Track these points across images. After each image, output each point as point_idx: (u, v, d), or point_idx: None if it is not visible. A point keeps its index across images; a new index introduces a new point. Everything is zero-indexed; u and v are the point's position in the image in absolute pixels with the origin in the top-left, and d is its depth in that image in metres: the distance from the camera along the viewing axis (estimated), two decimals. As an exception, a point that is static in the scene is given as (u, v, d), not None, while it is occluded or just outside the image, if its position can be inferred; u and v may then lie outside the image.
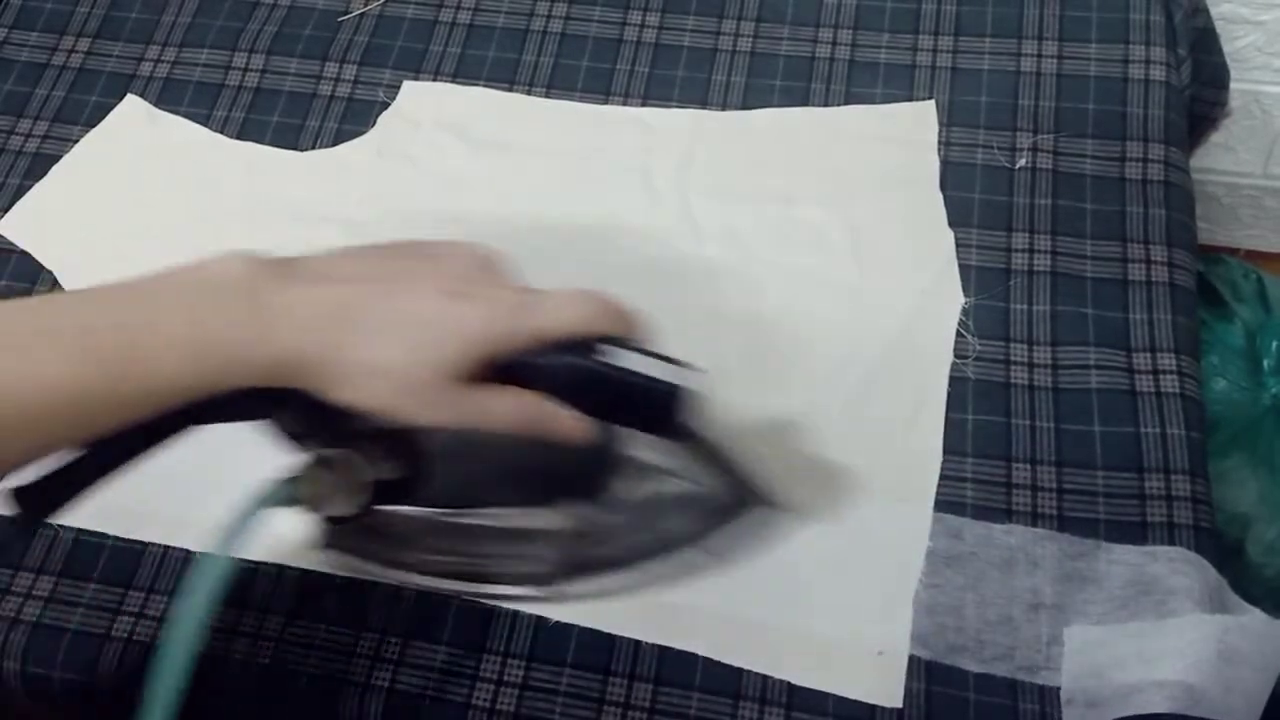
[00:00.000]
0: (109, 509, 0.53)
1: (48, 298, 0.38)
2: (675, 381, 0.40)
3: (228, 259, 0.39)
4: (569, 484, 0.46)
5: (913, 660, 0.48)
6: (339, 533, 0.46)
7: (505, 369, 0.39)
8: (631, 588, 0.49)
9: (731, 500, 0.49)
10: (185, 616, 0.38)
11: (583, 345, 0.40)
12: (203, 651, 0.39)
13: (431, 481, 0.45)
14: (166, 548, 0.53)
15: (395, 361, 0.38)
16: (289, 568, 0.52)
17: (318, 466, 0.42)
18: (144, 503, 0.54)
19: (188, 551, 0.53)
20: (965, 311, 0.57)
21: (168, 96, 0.69)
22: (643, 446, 0.46)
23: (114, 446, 0.39)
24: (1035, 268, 0.58)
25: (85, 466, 0.39)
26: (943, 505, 0.52)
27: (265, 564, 0.52)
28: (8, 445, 0.35)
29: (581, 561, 0.49)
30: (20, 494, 0.38)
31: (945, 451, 0.54)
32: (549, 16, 0.69)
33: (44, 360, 0.35)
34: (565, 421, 0.40)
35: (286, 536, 0.49)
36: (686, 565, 0.49)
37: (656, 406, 0.41)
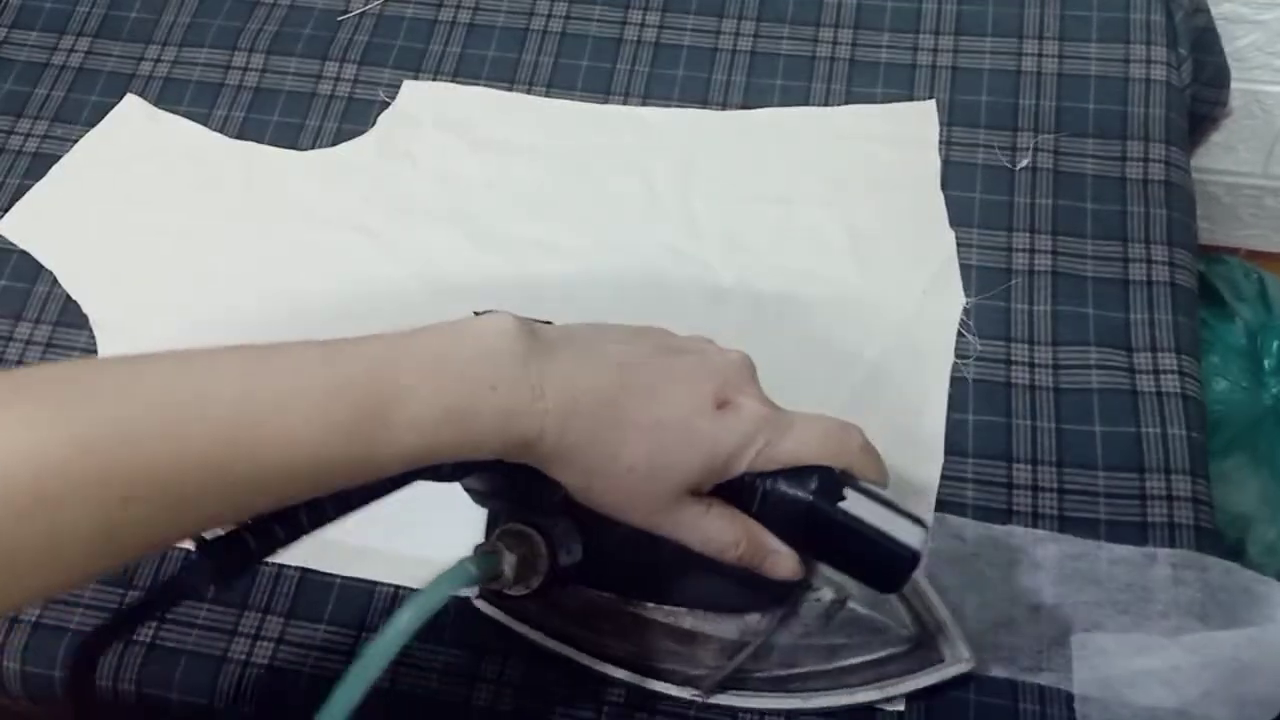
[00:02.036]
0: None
1: (299, 346, 0.35)
2: (913, 545, 0.38)
3: (497, 320, 0.36)
4: (759, 600, 0.45)
5: (913, 661, 0.48)
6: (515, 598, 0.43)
7: (733, 485, 0.38)
8: (793, 708, 0.47)
9: (915, 645, 0.46)
10: (365, 667, 0.34)
11: (828, 488, 0.38)
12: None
13: (622, 573, 0.44)
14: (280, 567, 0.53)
15: (644, 465, 0.37)
16: (288, 567, 0.52)
17: (511, 544, 0.40)
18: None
19: (188, 552, 0.53)
20: (966, 311, 0.57)
21: (167, 96, 0.68)
22: (838, 574, 0.44)
23: (329, 497, 0.36)
24: (1036, 267, 0.58)
25: (291, 522, 0.36)
26: (944, 505, 0.52)
27: (265, 564, 0.52)
28: (246, 504, 0.33)
29: (747, 675, 0.47)
30: (227, 544, 0.35)
31: (946, 452, 0.53)
32: (549, 16, 0.69)
33: (290, 423, 0.32)
34: (779, 560, 0.39)
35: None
36: (856, 700, 0.46)
37: (888, 567, 0.39)
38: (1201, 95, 0.73)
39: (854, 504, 0.38)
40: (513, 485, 0.40)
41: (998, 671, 0.48)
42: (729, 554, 0.39)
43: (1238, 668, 0.45)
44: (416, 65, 0.68)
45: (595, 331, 0.40)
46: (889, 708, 0.47)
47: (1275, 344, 0.87)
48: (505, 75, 0.68)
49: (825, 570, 0.44)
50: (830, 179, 0.63)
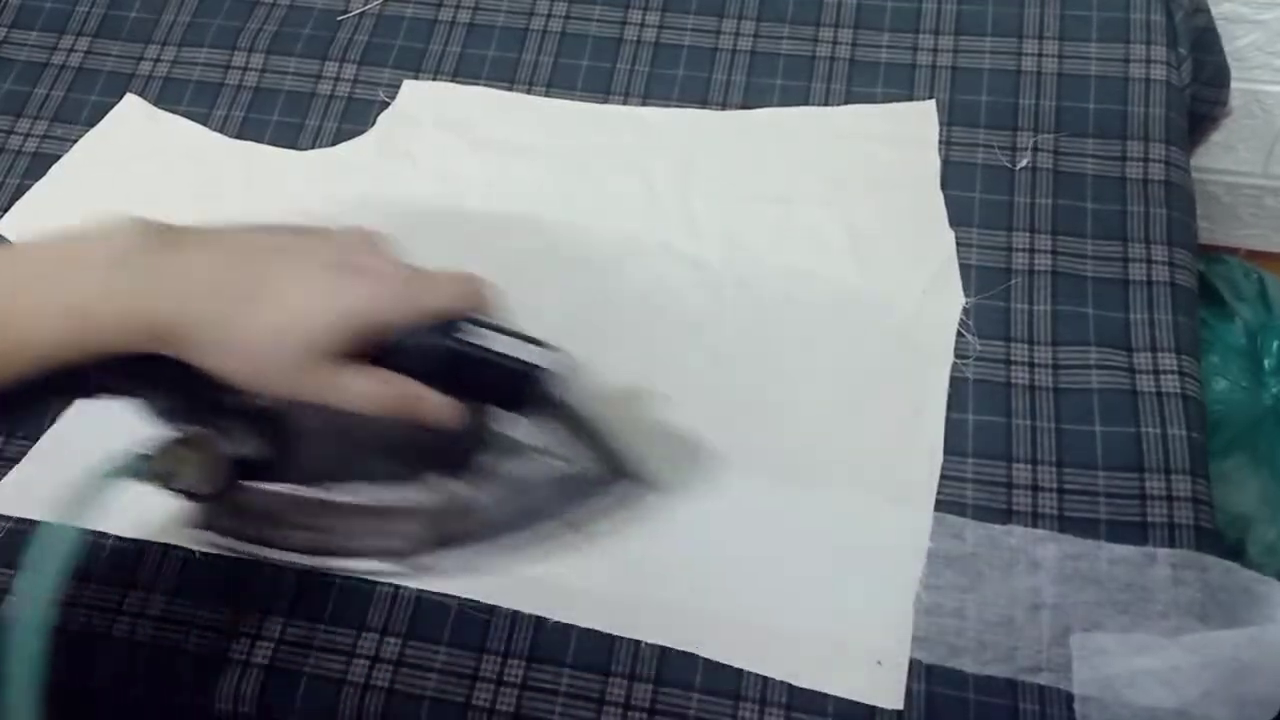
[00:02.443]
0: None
1: None
2: (534, 361, 0.42)
3: (115, 225, 0.39)
4: (437, 460, 0.47)
5: (913, 661, 0.48)
6: (208, 511, 0.47)
7: (373, 348, 0.40)
8: (492, 561, 0.50)
9: (599, 476, 0.49)
10: (33, 592, 0.37)
11: (446, 325, 0.41)
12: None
13: (296, 459, 0.46)
14: (166, 547, 0.53)
15: (271, 330, 0.38)
16: (287, 567, 0.52)
17: (175, 443, 0.42)
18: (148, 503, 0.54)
19: (188, 551, 0.53)
20: (966, 311, 0.57)
21: (167, 96, 0.69)
22: (513, 424, 0.47)
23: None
24: (1036, 267, 0.58)
25: None
26: (943, 505, 0.52)
27: (266, 564, 0.52)
28: None
29: (444, 537, 0.50)
30: None
31: (946, 452, 0.53)
32: (549, 15, 0.69)
33: None
34: (432, 405, 0.41)
35: (156, 514, 0.50)
36: (552, 540, 0.50)
37: (515, 385, 0.42)
38: (1201, 95, 0.73)
39: (480, 337, 0.41)
40: (190, 395, 0.42)
41: (997, 671, 0.48)
42: (384, 408, 0.41)
43: (1237, 668, 0.45)
44: (416, 65, 0.68)
45: (227, 228, 0.42)
46: (601, 532, 0.50)
47: (1275, 344, 0.87)
48: (505, 75, 0.68)
49: (508, 428, 0.47)
50: (830, 179, 0.63)
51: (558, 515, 0.50)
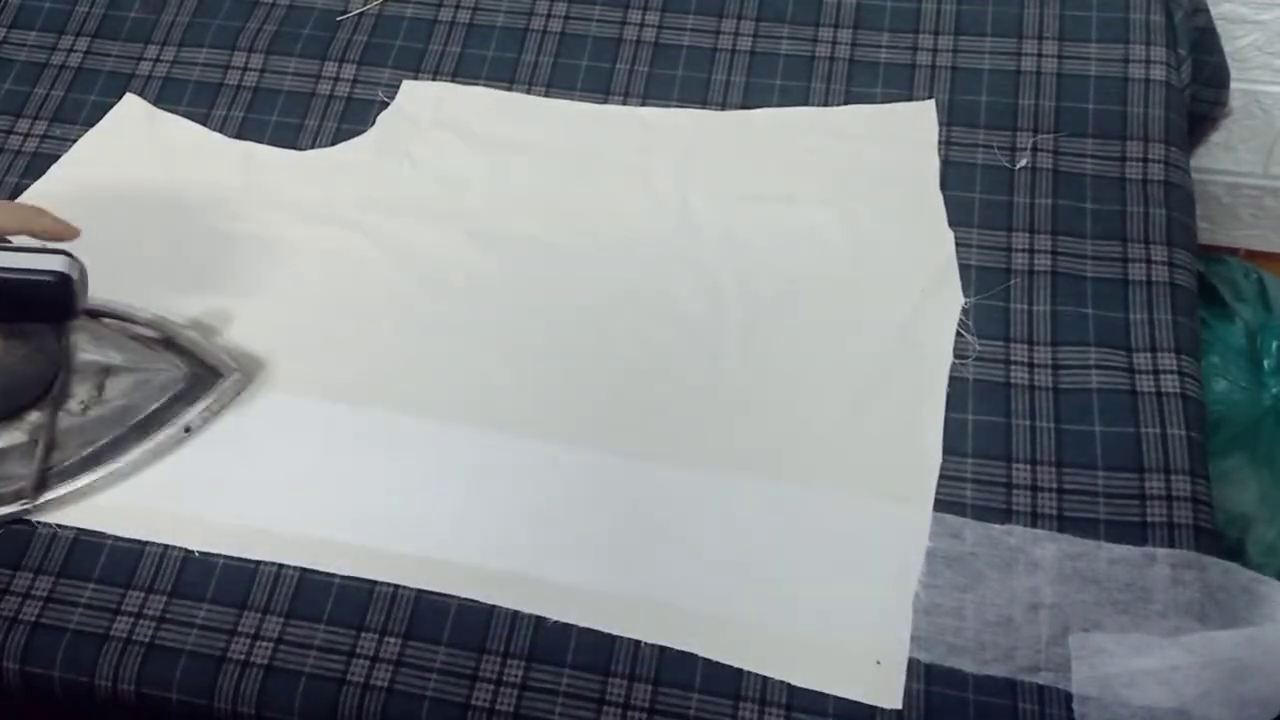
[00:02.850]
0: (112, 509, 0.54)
1: None
2: (53, 269, 0.44)
3: None
4: (17, 396, 0.49)
5: (912, 661, 0.48)
6: None
7: None
8: (113, 479, 0.52)
9: (194, 380, 0.52)
10: None
11: None
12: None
13: None
14: (166, 547, 0.53)
15: None
16: (287, 568, 0.52)
17: None
18: (147, 503, 0.54)
19: (188, 552, 0.53)
20: (965, 311, 0.57)
21: (167, 96, 0.68)
22: (91, 348, 0.50)
23: None
24: (1035, 268, 0.58)
25: None
26: (943, 505, 0.52)
27: (264, 564, 0.52)
28: None
29: (64, 467, 0.52)
30: None
31: (945, 451, 0.53)
32: (549, 16, 0.69)
33: None
34: None
35: None
36: (163, 446, 0.53)
37: (44, 297, 0.44)
38: (1201, 95, 0.73)
39: None
40: None
41: (996, 671, 0.48)
42: None
43: (1236, 668, 0.45)
44: (416, 65, 0.68)
45: None
46: (199, 429, 0.54)
47: (1275, 344, 0.86)
48: (505, 75, 0.68)
49: (87, 351, 0.50)
50: (830, 179, 0.63)
51: (163, 422, 0.53)
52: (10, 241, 0.45)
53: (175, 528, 0.54)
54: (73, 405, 0.51)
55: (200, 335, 0.54)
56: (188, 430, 0.53)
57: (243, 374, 0.54)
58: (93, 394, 0.51)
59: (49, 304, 0.45)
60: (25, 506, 0.51)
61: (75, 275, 0.45)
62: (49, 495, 0.52)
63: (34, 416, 0.51)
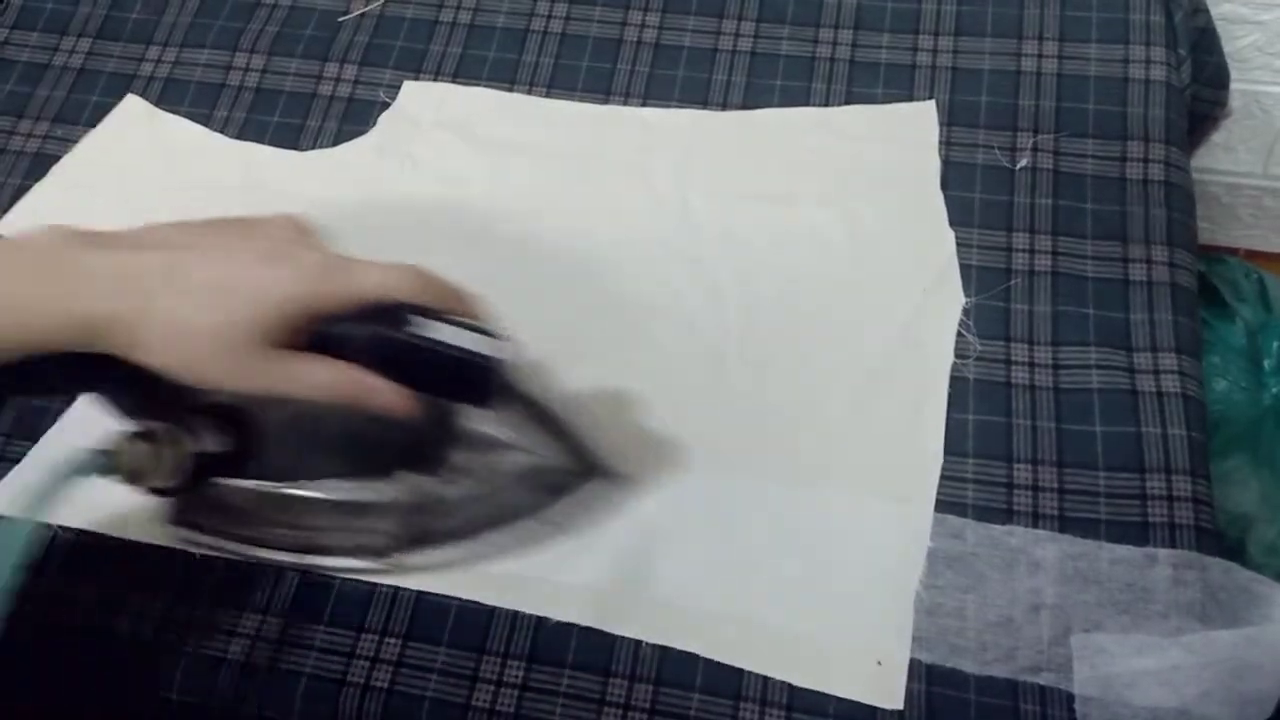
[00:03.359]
0: None
1: None
2: (485, 352, 0.41)
3: (38, 229, 0.40)
4: (405, 456, 0.47)
5: (913, 661, 0.48)
6: (178, 507, 0.47)
7: (318, 339, 0.40)
8: (471, 559, 0.50)
9: (570, 471, 0.49)
10: None
11: (393, 316, 0.40)
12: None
13: (261, 454, 0.45)
14: (166, 549, 0.53)
15: (204, 321, 0.38)
16: (288, 567, 0.52)
17: (136, 438, 0.42)
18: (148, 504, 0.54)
19: (187, 553, 0.53)
20: (966, 311, 0.57)
21: (168, 97, 0.69)
22: (482, 418, 0.46)
23: None
24: (1036, 268, 0.58)
25: None
26: (944, 506, 0.52)
27: (264, 565, 0.52)
28: None
29: (419, 534, 0.49)
30: None
31: (946, 452, 0.53)
32: (549, 16, 0.69)
33: None
34: (382, 393, 0.41)
35: (121, 509, 0.50)
36: (526, 536, 0.50)
37: (470, 379, 0.41)
38: (1201, 95, 0.73)
39: (425, 328, 0.40)
40: (143, 391, 0.42)
41: (998, 671, 0.48)
42: (334, 395, 0.40)
43: (1237, 667, 0.45)
44: (417, 66, 0.68)
45: (153, 226, 0.43)
46: (577, 527, 0.51)
47: (1275, 344, 0.87)
48: (505, 76, 0.68)
49: (476, 421, 0.47)
50: (830, 179, 0.63)
51: (531, 510, 0.50)
52: (438, 308, 0.42)
53: (176, 529, 0.54)
54: (449, 472, 0.48)
55: (594, 420, 0.49)
56: (555, 525, 0.50)
57: (626, 474, 0.50)
58: (470, 464, 0.48)
59: (469, 385, 0.42)
60: (375, 565, 0.50)
61: (506, 360, 0.41)
62: (404, 559, 0.50)
63: (413, 478, 0.48)
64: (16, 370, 0.38)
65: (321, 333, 0.40)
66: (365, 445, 0.46)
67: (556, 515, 0.50)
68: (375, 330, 0.40)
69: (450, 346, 0.40)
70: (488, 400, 0.43)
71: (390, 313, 0.40)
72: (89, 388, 0.43)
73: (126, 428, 0.43)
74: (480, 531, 0.49)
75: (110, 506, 0.48)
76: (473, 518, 0.50)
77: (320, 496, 0.48)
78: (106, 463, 0.41)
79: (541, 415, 0.46)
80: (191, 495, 0.44)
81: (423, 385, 0.42)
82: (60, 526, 0.52)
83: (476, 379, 0.41)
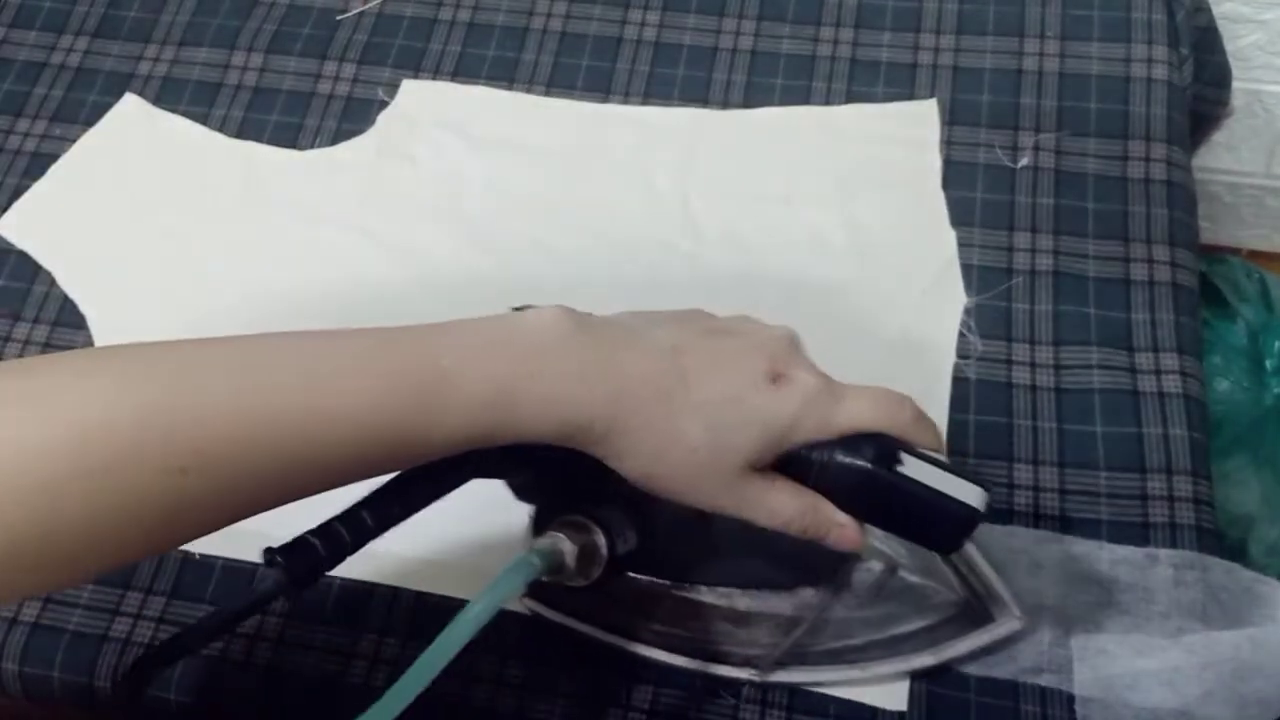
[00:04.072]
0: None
1: (358, 331, 0.36)
2: (971, 504, 0.38)
3: (545, 311, 0.37)
4: (811, 572, 0.45)
5: (914, 662, 0.48)
6: (574, 594, 0.42)
7: (791, 460, 0.38)
8: (854, 681, 0.47)
9: (966, 609, 0.46)
10: (430, 662, 0.34)
11: (883, 452, 0.38)
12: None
13: (673, 555, 0.44)
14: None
15: (705, 440, 0.36)
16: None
17: (563, 533, 0.40)
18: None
19: (187, 552, 0.53)
20: (967, 311, 0.57)
21: (167, 95, 0.68)
22: (883, 540, 0.44)
23: (394, 497, 0.37)
24: (1037, 267, 0.58)
25: (357, 525, 0.37)
26: (944, 506, 0.52)
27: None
28: (300, 482, 0.33)
29: (800, 647, 0.47)
30: (287, 555, 0.36)
31: (947, 452, 0.53)
32: (549, 15, 0.69)
33: (347, 402, 0.33)
34: (842, 531, 0.39)
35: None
36: (912, 666, 0.47)
37: (947, 527, 0.39)
38: (1203, 95, 0.73)
39: (911, 468, 0.38)
40: (562, 477, 0.40)
41: (999, 672, 0.48)
42: (794, 527, 0.39)
43: (1238, 668, 0.45)
44: (416, 64, 0.68)
45: (642, 319, 0.40)
46: (960, 667, 0.47)
47: (1277, 344, 0.86)
48: (505, 74, 0.67)
49: (875, 541, 0.44)
50: (830, 179, 0.62)
51: (925, 644, 0.46)
52: (918, 447, 0.39)
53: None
54: (847, 597, 0.45)
55: (987, 565, 0.45)
56: (941, 663, 0.47)
57: (1022, 621, 0.46)
58: (870, 591, 0.46)
59: (943, 534, 0.40)
60: (753, 679, 0.47)
61: (983, 511, 0.39)
62: (780, 676, 0.47)
63: (807, 594, 0.46)
64: (485, 458, 0.36)
65: (798, 455, 0.38)
66: (776, 558, 0.44)
67: (951, 654, 0.46)
68: (858, 465, 0.38)
69: (936, 493, 0.38)
70: (954, 549, 0.41)
71: (880, 447, 0.38)
72: (508, 474, 0.41)
73: (560, 519, 0.40)
74: (864, 657, 0.47)
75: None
76: (861, 644, 0.47)
77: (714, 602, 0.46)
78: (545, 566, 0.38)
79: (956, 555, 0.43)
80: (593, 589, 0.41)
81: (889, 524, 0.40)
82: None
83: (953, 529, 0.39)
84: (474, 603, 0.34)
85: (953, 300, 0.57)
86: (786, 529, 0.39)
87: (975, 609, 0.46)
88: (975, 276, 0.58)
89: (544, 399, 0.35)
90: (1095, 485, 0.52)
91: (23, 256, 0.63)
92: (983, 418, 0.54)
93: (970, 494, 0.38)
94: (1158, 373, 0.55)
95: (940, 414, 0.54)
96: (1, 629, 0.51)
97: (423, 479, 0.37)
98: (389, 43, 0.69)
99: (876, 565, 0.45)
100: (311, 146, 0.66)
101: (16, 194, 0.65)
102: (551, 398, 0.35)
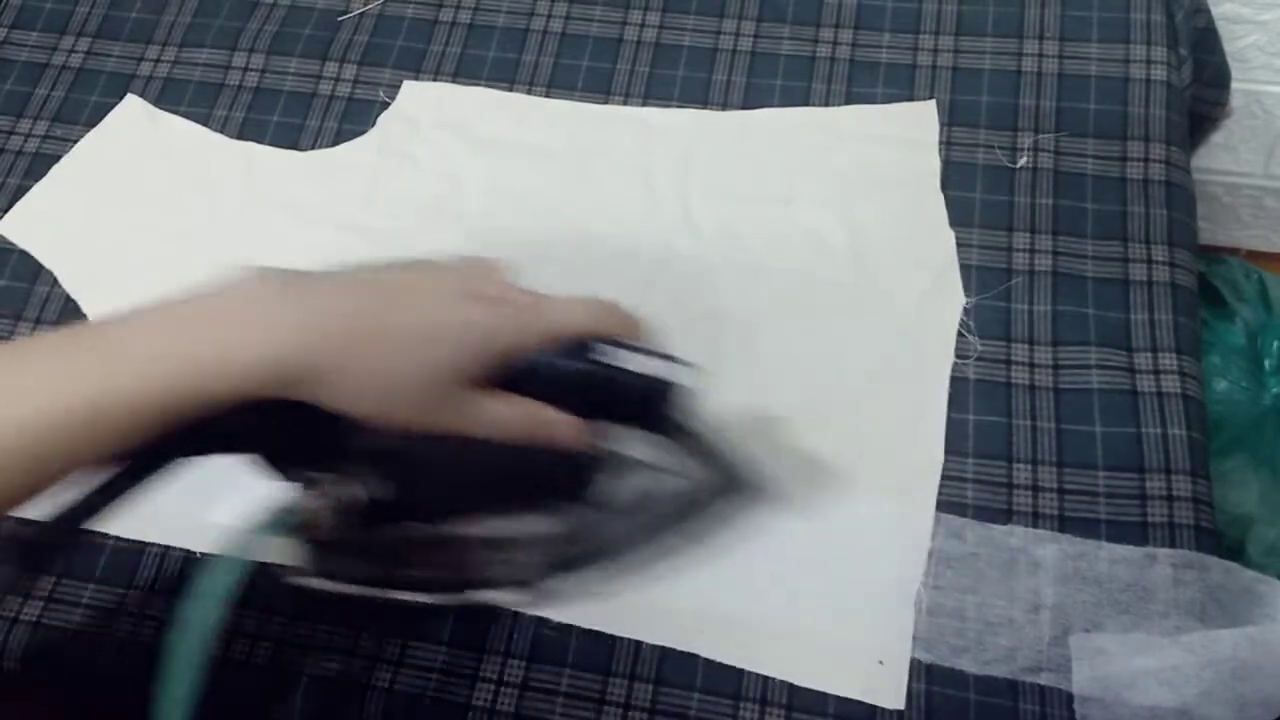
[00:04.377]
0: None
1: (45, 337, 0.38)
2: (668, 377, 0.41)
3: (243, 274, 0.39)
4: (558, 486, 0.46)
5: (914, 661, 0.48)
6: (326, 557, 0.45)
7: (504, 375, 0.40)
8: (614, 579, 0.49)
9: (717, 489, 0.49)
10: (195, 621, 0.37)
11: (581, 348, 0.41)
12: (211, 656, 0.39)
13: (421, 497, 0.45)
14: (167, 548, 0.53)
15: (408, 366, 0.38)
16: (288, 567, 0.52)
17: (310, 492, 0.42)
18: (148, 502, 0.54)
19: (188, 552, 0.53)
20: (966, 311, 0.57)
21: (168, 96, 0.69)
22: (629, 442, 0.46)
23: (117, 478, 0.39)
24: (1036, 267, 0.58)
25: (83, 502, 0.38)
26: (944, 506, 0.52)
27: (264, 564, 0.52)
28: (14, 469, 0.35)
29: (569, 560, 0.49)
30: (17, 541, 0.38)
31: (946, 452, 0.53)
32: (549, 16, 0.69)
33: (57, 377, 0.35)
34: (563, 428, 0.41)
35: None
36: (669, 552, 0.49)
37: (650, 403, 0.42)
38: (1202, 95, 0.73)
39: (609, 356, 0.41)
40: (314, 442, 0.41)
41: (998, 671, 0.48)
42: (520, 435, 0.41)
43: (1237, 667, 0.45)
44: (416, 65, 0.68)
45: (349, 269, 0.42)
46: (712, 538, 0.49)
47: (1275, 344, 0.87)
48: (505, 75, 0.68)
49: (624, 448, 0.47)
50: (830, 179, 0.63)
51: (677, 530, 0.49)
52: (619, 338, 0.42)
53: (177, 528, 0.53)
54: (599, 499, 0.47)
55: (739, 440, 0.48)
56: (693, 540, 0.49)
57: (772, 491, 0.49)
58: (618, 491, 0.47)
59: (650, 412, 0.42)
60: (525, 596, 0.49)
61: (687, 385, 0.42)
62: (551, 586, 0.49)
63: (561, 506, 0.47)
64: (191, 430, 0.37)
65: (509, 368, 0.40)
66: (521, 478, 0.46)
67: (702, 532, 0.49)
68: (563, 363, 0.40)
69: (633, 373, 0.41)
70: (663, 424, 0.43)
71: (579, 345, 0.41)
72: (250, 445, 0.42)
73: (295, 484, 0.42)
74: (624, 553, 0.49)
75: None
76: (618, 540, 0.49)
77: (475, 534, 0.47)
78: (292, 520, 0.41)
79: (691, 437, 0.45)
80: (337, 545, 0.43)
81: (602, 412, 0.42)
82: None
83: (655, 403, 0.42)
84: (214, 571, 0.37)
85: (952, 300, 0.58)
86: (516, 439, 0.41)
87: (722, 490, 0.49)
88: (974, 277, 0.58)
89: (249, 355, 0.37)
90: (1094, 485, 0.52)
91: (24, 256, 0.63)
92: (981, 418, 0.54)
93: (663, 368, 0.41)
94: (1156, 373, 0.55)
95: (939, 414, 0.54)
96: (2, 629, 0.51)
97: (160, 452, 0.39)
98: (390, 44, 0.69)
99: (629, 467, 0.47)
100: (312, 147, 0.66)
101: (18, 194, 0.65)
102: (256, 353, 0.37)
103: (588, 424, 0.41)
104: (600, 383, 0.41)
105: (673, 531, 0.49)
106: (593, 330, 0.41)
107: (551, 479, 0.46)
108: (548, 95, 0.67)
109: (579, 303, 0.41)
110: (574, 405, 0.41)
